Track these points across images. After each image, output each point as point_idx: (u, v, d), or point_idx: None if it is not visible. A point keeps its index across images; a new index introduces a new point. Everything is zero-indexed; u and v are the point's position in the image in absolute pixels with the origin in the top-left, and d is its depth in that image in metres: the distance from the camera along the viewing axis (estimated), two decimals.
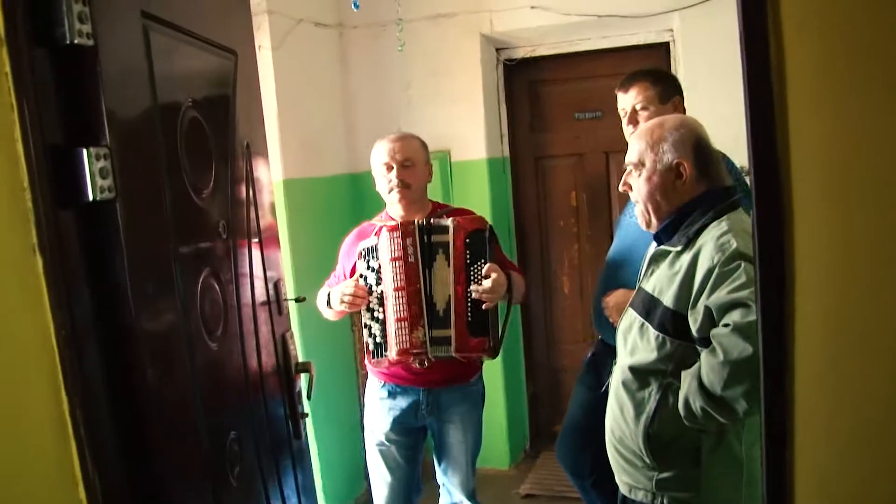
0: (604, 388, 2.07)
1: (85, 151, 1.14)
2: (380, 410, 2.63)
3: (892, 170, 0.95)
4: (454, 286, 2.42)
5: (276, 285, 2.03)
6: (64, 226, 1.12)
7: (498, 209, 3.97)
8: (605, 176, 4.07)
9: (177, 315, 1.38)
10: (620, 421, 1.87)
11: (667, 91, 2.44)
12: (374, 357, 2.47)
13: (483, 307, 2.42)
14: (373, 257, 2.48)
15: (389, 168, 2.54)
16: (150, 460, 1.24)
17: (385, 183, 2.56)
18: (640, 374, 1.82)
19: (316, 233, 3.52)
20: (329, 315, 2.63)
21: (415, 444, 2.72)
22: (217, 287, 1.60)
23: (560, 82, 4.07)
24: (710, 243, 1.72)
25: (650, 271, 1.89)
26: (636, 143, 1.89)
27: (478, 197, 3.88)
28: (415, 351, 2.37)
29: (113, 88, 1.21)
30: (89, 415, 1.13)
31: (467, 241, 2.45)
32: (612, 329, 2.44)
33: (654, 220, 1.87)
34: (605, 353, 2.60)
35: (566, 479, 2.91)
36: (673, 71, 3.70)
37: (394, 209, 2.61)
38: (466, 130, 3.87)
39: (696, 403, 1.65)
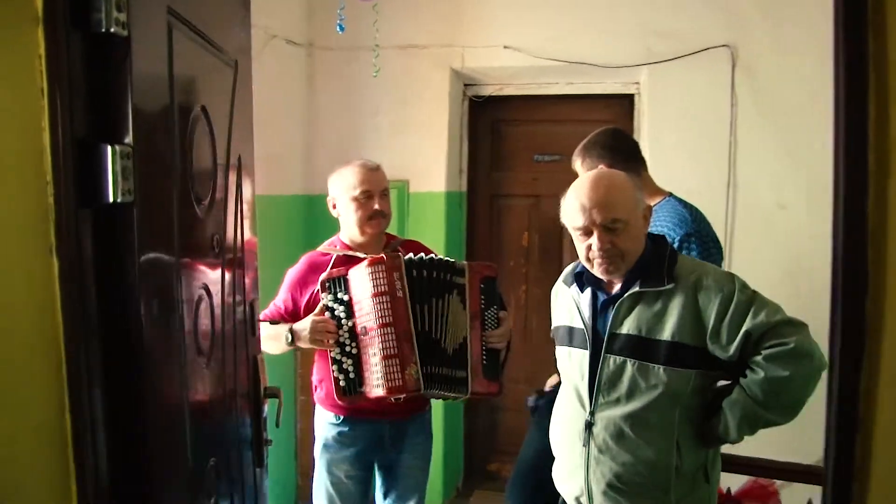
0: (582, 443, 1.97)
1: (109, 149, 1.05)
2: (340, 446, 2.52)
3: None
4: (470, 330, 2.36)
5: (252, 305, 1.94)
6: (82, 228, 1.02)
7: (451, 243, 3.96)
8: (559, 220, 4.10)
9: (177, 331, 1.29)
10: (635, 464, 1.85)
11: (592, 164, 2.46)
12: (346, 393, 2.34)
13: (498, 352, 2.41)
14: (341, 289, 2.37)
15: (370, 196, 2.47)
16: (141, 473, 1.14)
17: (362, 211, 2.47)
18: (653, 415, 1.84)
19: (267, 252, 3.40)
20: (275, 349, 2.47)
21: (369, 478, 2.63)
22: (209, 303, 1.51)
23: (522, 123, 4.12)
24: (708, 279, 1.83)
25: (620, 315, 1.89)
26: (614, 200, 1.86)
27: (433, 230, 3.85)
28: (411, 389, 2.26)
29: (139, 84, 1.13)
30: (85, 426, 1.03)
31: (482, 286, 2.40)
32: None
33: (626, 269, 1.89)
34: None
35: None
36: (636, 123, 3.80)
37: (358, 238, 2.52)
38: (428, 162, 3.85)
39: (768, 416, 1.77)
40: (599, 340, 1.92)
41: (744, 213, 3.49)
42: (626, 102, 3.91)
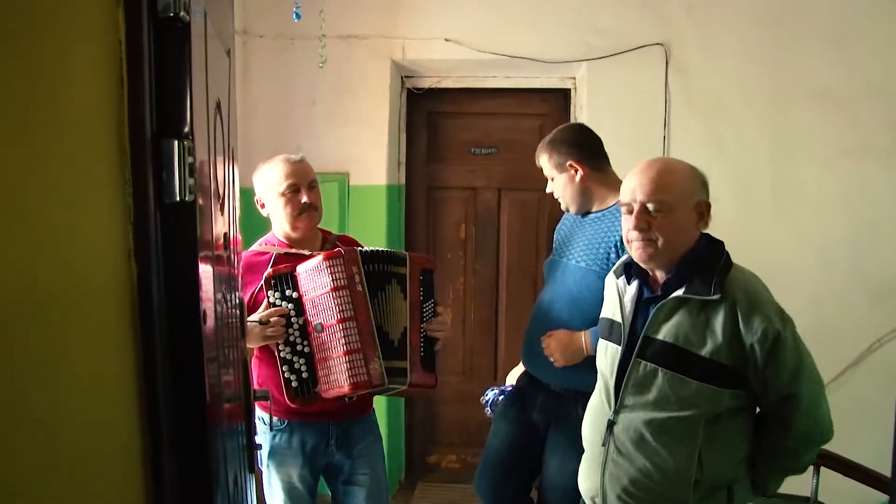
0: (602, 442, 1.95)
1: (176, 144, 0.98)
2: (288, 450, 2.44)
3: None
4: (410, 321, 2.33)
5: (242, 304, 1.86)
6: (157, 230, 0.95)
7: (392, 236, 3.93)
8: (496, 212, 4.15)
9: (218, 335, 1.22)
10: (650, 470, 1.83)
11: (560, 160, 2.51)
12: (298, 395, 2.26)
13: (435, 347, 2.39)
14: (288, 286, 2.30)
15: (297, 190, 2.38)
16: (208, 480, 1.07)
17: (291, 206, 2.38)
18: (679, 425, 1.80)
19: None
20: None
21: (317, 481, 2.57)
22: (224, 304, 1.44)
23: (459, 116, 4.12)
24: (754, 304, 1.77)
25: (658, 319, 1.83)
26: (666, 182, 1.84)
27: (374, 223, 3.82)
28: (376, 383, 2.22)
29: (194, 74, 1.06)
30: (160, 436, 0.96)
31: (421, 278, 2.39)
32: (547, 367, 2.47)
33: (667, 260, 1.85)
34: (532, 389, 2.63)
35: None
36: (573, 117, 3.88)
37: (293, 235, 2.44)
38: (368, 155, 3.80)
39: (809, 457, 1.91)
40: (635, 340, 1.86)
41: None
42: (561, 97, 3.99)
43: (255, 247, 2.48)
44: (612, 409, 1.89)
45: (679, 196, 1.83)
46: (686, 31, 3.62)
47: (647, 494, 1.85)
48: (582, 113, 3.77)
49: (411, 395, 2.45)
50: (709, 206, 1.89)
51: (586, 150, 2.53)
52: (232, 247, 1.61)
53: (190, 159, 1.01)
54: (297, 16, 2.67)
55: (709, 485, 1.82)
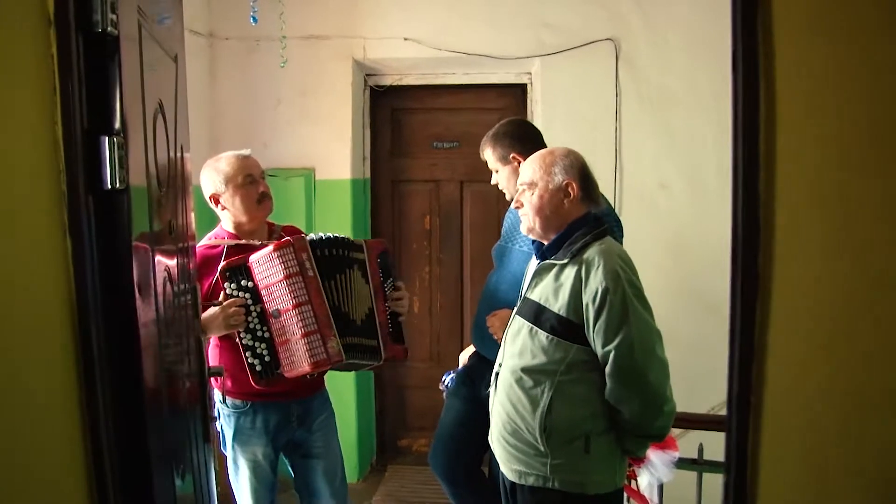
0: (490, 388, 2.24)
1: (106, 140, 1.15)
2: (252, 429, 2.57)
3: None
4: (375, 301, 2.54)
5: (195, 290, 2.02)
6: (88, 212, 1.11)
7: (357, 229, 4.08)
8: (459, 203, 4.32)
9: (157, 311, 1.39)
10: (514, 415, 2.06)
11: (503, 153, 2.69)
12: (262, 377, 2.41)
13: (399, 319, 2.59)
14: (244, 277, 2.43)
15: (254, 181, 2.54)
16: (144, 449, 1.24)
17: (252, 195, 2.53)
18: (533, 374, 2.02)
19: None
20: None
21: (278, 457, 2.71)
22: (170, 286, 1.60)
23: (421, 112, 4.28)
24: (595, 265, 1.96)
25: (534, 283, 2.10)
26: (529, 166, 2.13)
27: (340, 216, 3.97)
28: (335, 360, 2.39)
29: (124, 79, 1.22)
30: (96, 403, 1.13)
31: (379, 260, 2.58)
32: (493, 346, 2.64)
33: (538, 230, 2.10)
34: (481, 367, 2.80)
35: (417, 490, 3.03)
36: (529, 111, 4.05)
37: (247, 226, 2.57)
38: (332, 151, 3.96)
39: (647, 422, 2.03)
40: None
41: (629, 193, 3.80)
42: (518, 91, 4.15)
43: (206, 241, 2.60)
44: (499, 362, 2.18)
45: (540, 176, 2.08)
46: (635, 26, 3.78)
47: (515, 438, 2.08)
48: (537, 107, 3.94)
49: (386, 365, 2.63)
50: (575, 185, 2.06)
51: (528, 142, 2.70)
52: (180, 233, 1.77)
53: (121, 153, 1.17)
54: (254, 19, 2.82)
55: (562, 435, 2.01)
